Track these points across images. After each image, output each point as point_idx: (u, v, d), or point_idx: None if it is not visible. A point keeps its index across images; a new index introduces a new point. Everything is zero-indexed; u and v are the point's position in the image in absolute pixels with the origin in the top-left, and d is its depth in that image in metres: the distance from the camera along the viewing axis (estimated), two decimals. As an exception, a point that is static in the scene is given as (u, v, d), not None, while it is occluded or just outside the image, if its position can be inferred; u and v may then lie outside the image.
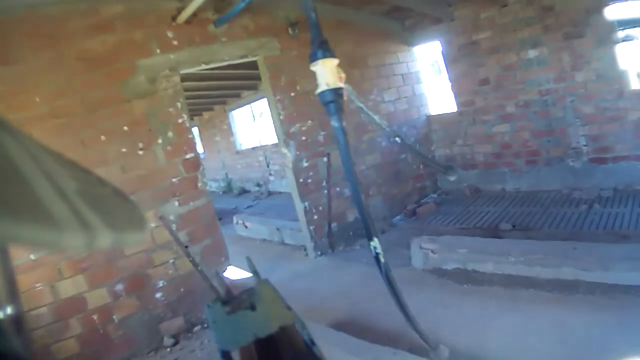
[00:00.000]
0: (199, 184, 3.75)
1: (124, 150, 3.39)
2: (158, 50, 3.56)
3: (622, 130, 4.09)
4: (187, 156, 3.70)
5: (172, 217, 3.59)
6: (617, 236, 3.31)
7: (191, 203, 3.69)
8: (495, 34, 4.86)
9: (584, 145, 4.44)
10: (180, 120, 3.66)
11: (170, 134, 3.61)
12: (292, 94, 4.47)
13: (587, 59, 4.14)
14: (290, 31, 4.35)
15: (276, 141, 8.84)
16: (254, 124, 9.79)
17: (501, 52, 4.88)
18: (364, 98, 5.12)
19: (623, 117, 4.05)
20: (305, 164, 4.57)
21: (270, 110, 4.56)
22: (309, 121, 4.61)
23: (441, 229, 4.57)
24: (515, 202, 4.86)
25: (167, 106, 3.59)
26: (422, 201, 5.78)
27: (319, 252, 4.66)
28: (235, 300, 1.12)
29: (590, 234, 3.49)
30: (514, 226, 4.18)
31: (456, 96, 5.54)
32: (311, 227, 4.61)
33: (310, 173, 4.61)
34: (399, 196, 5.53)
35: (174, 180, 3.62)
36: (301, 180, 4.53)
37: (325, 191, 4.71)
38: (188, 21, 3.71)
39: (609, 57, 3.96)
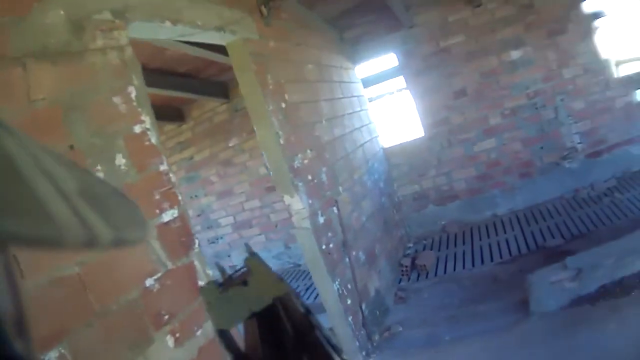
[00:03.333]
0: (201, 283, 1.51)
1: None
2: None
3: (612, 120, 4.09)
4: (165, 217, 1.46)
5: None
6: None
7: (198, 331, 1.39)
8: (469, 37, 4.34)
9: (579, 143, 4.22)
10: (138, 129, 1.45)
11: (120, 158, 1.35)
12: (283, 105, 2.71)
13: (573, 54, 4.07)
14: (264, 11, 2.71)
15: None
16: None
17: (478, 56, 4.35)
18: (341, 123, 3.76)
19: (612, 107, 4.09)
20: (322, 220, 2.74)
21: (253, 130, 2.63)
22: (308, 150, 2.88)
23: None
24: (524, 222, 4.17)
25: (109, 91, 1.37)
26: (407, 253, 4.54)
27: (364, 353, 2.75)
28: (228, 280, 0.87)
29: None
30: (564, 238, 3.59)
31: (423, 117, 4.65)
32: (350, 318, 2.69)
33: (329, 234, 2.78)
34: (393, 251, 4.17)
35: (148, 283, 1.30)
36: (323, 246, 2.65)
37: (347, 259, 2.94)
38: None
39: (591, 50, 4.00)
